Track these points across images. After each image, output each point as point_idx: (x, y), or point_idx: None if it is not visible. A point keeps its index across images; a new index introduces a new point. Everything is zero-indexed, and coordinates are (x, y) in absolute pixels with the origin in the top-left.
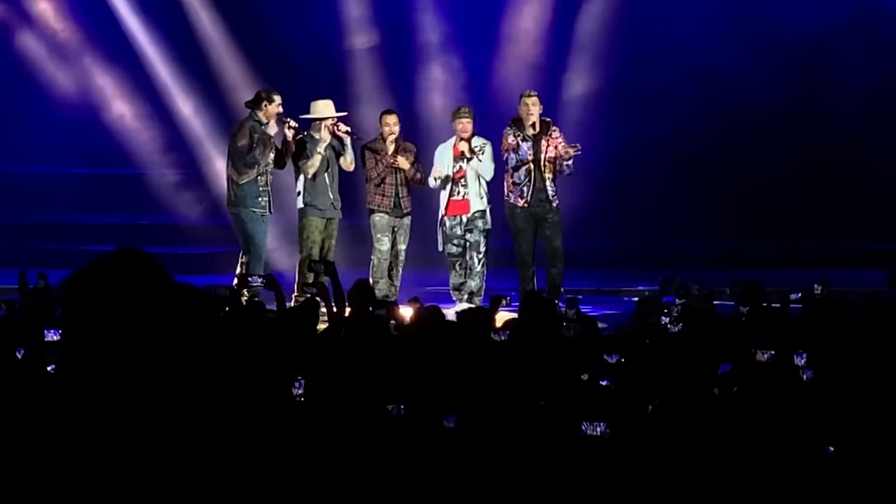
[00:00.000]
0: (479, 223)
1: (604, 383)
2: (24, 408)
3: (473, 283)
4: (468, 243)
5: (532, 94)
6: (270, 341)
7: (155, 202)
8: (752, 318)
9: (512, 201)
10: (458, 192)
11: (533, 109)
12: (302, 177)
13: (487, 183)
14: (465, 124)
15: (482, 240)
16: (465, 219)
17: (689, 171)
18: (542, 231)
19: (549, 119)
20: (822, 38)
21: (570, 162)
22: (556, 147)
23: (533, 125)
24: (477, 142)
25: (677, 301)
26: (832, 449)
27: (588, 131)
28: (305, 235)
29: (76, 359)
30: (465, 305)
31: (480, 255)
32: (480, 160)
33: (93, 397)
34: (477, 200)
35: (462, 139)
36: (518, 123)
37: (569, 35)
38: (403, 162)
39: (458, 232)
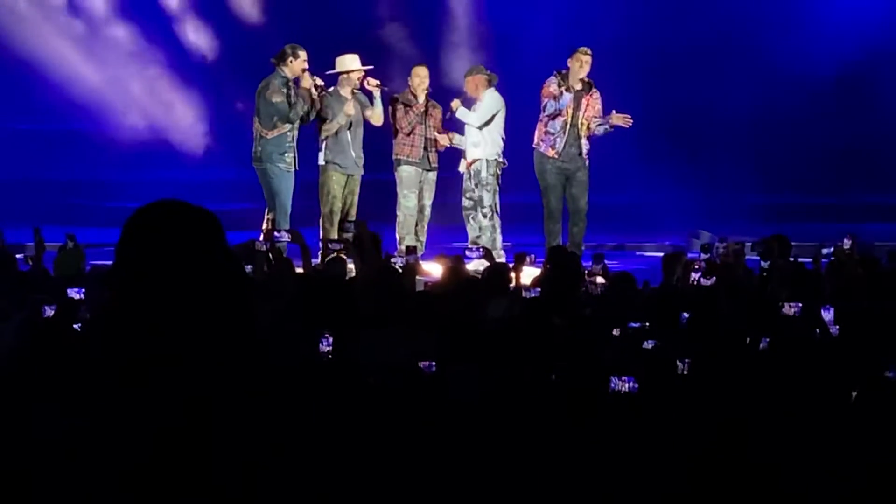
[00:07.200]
0: (483, 175)
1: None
2: (55, 363)
3: (484, 238)
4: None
5: (588, 52)
6: (298, 295)
7: (182, 159)
8: (773, 272)
9: (542, 150)
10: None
11: (586, 67)
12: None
13: (480, 128)
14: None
15: (485, 194)
16: (472, 171)
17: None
18: (568, 189)
19: (591, 80)
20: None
21: (606, 127)
22: (594, 108)
23: (581, 80)
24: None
25: (702, 257)
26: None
27: (616, 87)
28: (326, 191)
29: (125, 304)
30: (477, 262)
31: (485, 209)
32: (456, 113)
33: (135, 348)
34: (473, 150)
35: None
36: (564, 76)
37: None
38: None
39: (471, 185)
